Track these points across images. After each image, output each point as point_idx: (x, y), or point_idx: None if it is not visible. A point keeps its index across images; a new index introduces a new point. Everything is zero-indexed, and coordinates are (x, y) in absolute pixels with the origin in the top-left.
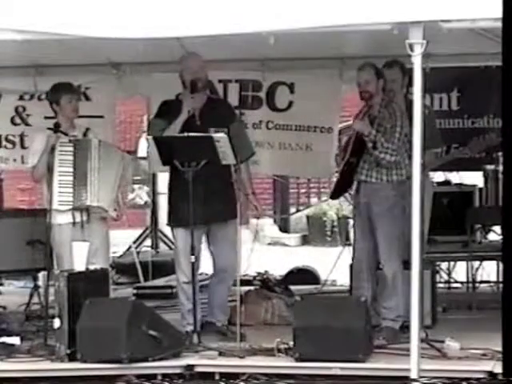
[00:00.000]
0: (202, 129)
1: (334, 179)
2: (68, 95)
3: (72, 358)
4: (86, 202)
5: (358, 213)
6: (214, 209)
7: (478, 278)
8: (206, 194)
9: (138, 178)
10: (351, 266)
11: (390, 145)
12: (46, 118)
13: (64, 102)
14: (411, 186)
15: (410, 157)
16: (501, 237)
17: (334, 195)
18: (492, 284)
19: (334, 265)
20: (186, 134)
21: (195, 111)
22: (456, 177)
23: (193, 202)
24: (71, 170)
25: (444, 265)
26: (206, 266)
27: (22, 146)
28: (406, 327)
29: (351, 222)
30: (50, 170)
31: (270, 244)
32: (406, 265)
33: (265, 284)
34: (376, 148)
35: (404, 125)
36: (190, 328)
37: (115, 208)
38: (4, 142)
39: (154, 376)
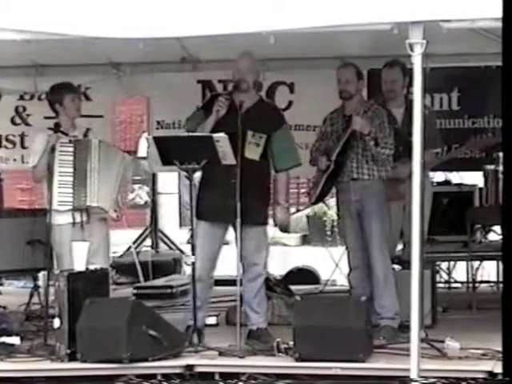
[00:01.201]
0: (242, 129)
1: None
2: (71, 94)
3: (72, 357)
4: (86, 202)
5: (348, 212)
6: (245, 209)
7: (478, 278)
8: (235, 194)
9: (138, 177)
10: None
11: (388, 139)
12: (46, 118)
13: (67, 101)
14: (411, 185)
15: (409, 155)
16: (501, 237)
17: (319, 200)
18: (492, 284)
19: (336, 265)
20: (186, 134)
21: (241, 110)
22: (456, 177)
23: (219, 198)
24: (71, 170)
25: (444, 265)
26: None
27: (23, 146)
28: (406, 327)
29: None
30: (50, 170)
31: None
32: (406, 265)
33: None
34: (378, 144)
35: (391, 121)
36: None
37: (115, 209)
38: (4, 142)
39: (154, 376)
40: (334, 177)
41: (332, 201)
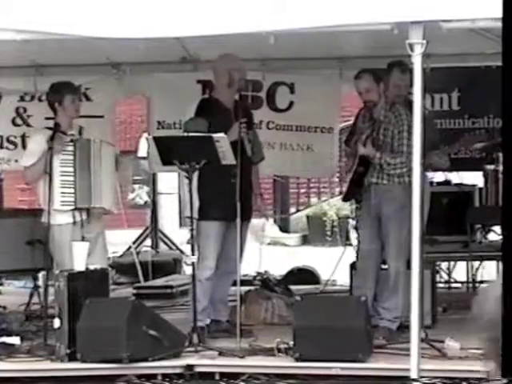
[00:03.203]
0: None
1: (335, 179)
2: (71, 95)
3: (72, 357)
4: (90, 203)
5: (367, 213)
6: (242, 206)
7: (478, 278)
8: (234, 191)
9: (138, 177)
10: (351, 266)
11: (398, 159)
12: (47, 118)
13: (67, 102)
14: (411, 186)
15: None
16: (501, 237)
17: (347, 198)
18: None
19: (336, 265)
20: (185, 134)
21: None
22: (456, 177)
23: (226, 197)
24: (72, 169)
25: (444, 265)
26: None
27: (24, 147)
28: (406, 327)
29: (351, 221)
30: (46, 170)
31: (269, 244)
32: (406, 265)
33: (265, 284)
34: (384, 169)
35: (411, 126)
36: (200, 324)
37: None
38: (6, 143)
39: (154, 376)
40: (358, 181)
41: (332, 201)
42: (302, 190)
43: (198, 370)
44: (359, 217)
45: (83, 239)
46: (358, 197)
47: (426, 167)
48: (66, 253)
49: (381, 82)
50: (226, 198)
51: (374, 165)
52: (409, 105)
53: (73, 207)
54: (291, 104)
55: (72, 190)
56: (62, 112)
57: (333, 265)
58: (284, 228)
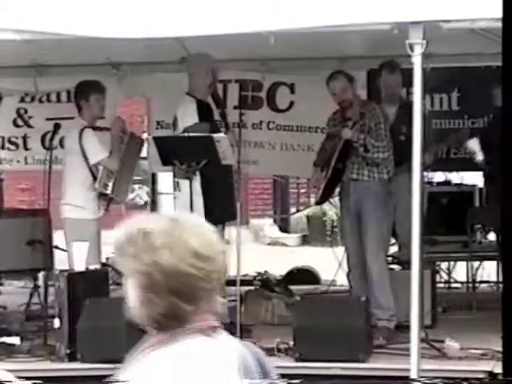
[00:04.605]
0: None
1: None
2: (97, 94)
3: (72, 358)
4: (125, 196)
5: (347, 212)
6: (227, 208)
7: (478, 278)
8: (219, 194)
9: (138, 178)
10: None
11: (380, 143)
12: (48, 119)
13: (93, 100)
14: (410, 185)
15: (400, 154)
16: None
17: (322, 200)
18: (492, 284)
19: (339, 265)
20: (186, 134)
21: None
22: (456, 177)
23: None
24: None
25: (444, 265)
26: None
27: (25, 148)
28: (405, 327)
29: None
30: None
31: (269, 244)
32: (406, 265)
33: (265, 284)
34: (368, 150)
35: (386, 120)
36: None
37: None
38: (7, 144)
39: None
40: (335, 181)
41: (332, 201)
42: (302, 190)
43: None
44: (341, 217)
45: (99, 234)
46: (332, 199)
47: (425, 167)
48: (91, 247)
49: (353, 81)
50: (218, 201)
51: (352, 160)
52: (404, 103)
53: (109, 193)
54: (291, 104)
55: (113, 180)
56: (87, 110)
57: (332, 265)
58: (284, 228)
